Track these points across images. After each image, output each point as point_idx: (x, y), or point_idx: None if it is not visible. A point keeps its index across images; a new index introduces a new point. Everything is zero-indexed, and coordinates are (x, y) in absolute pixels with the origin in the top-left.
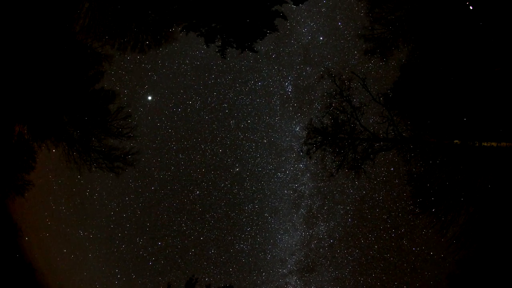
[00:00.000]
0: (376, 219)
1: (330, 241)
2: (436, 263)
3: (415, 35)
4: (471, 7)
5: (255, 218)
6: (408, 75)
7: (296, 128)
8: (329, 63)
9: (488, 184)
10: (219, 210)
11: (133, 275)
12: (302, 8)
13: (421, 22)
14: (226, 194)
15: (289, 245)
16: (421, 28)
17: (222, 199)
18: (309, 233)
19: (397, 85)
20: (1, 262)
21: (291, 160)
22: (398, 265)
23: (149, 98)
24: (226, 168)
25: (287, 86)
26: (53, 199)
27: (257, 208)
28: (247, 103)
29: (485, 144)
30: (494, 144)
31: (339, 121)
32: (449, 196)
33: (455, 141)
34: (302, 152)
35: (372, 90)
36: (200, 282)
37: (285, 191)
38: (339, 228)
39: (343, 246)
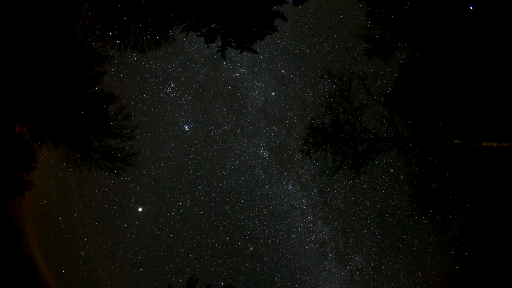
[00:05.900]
0: (402, 220)
1: (371, 265)
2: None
3: (415, 35)
4: (471, 7)
5: (289, 283)
6: (408, 75)
7: (289, 187)
8: (290, 113)
9: (488, 184)
10: None
11: None
12: (245, 73)
13: (421, 22)
14: (251, 275)
15: None
16: (421, 28)
17: (249, 281)
18: (348, 270)
19: (397, 85)
20: (1, 262)
21: (297, 218)
22: (443, 241)
23: (140, 209)
24: (240, 251)
25: (263, 152)
26: None
27: (286, 274)
28: (233, 184)
29: (485, 144)
30: (494, 144)
31: (340, 121)
32: (449, 196)
33: (455, 141)
34: (303, 152)
35: (372, 90)
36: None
37: (306, 247)
38: (373, 249)
39: (386, 261)
